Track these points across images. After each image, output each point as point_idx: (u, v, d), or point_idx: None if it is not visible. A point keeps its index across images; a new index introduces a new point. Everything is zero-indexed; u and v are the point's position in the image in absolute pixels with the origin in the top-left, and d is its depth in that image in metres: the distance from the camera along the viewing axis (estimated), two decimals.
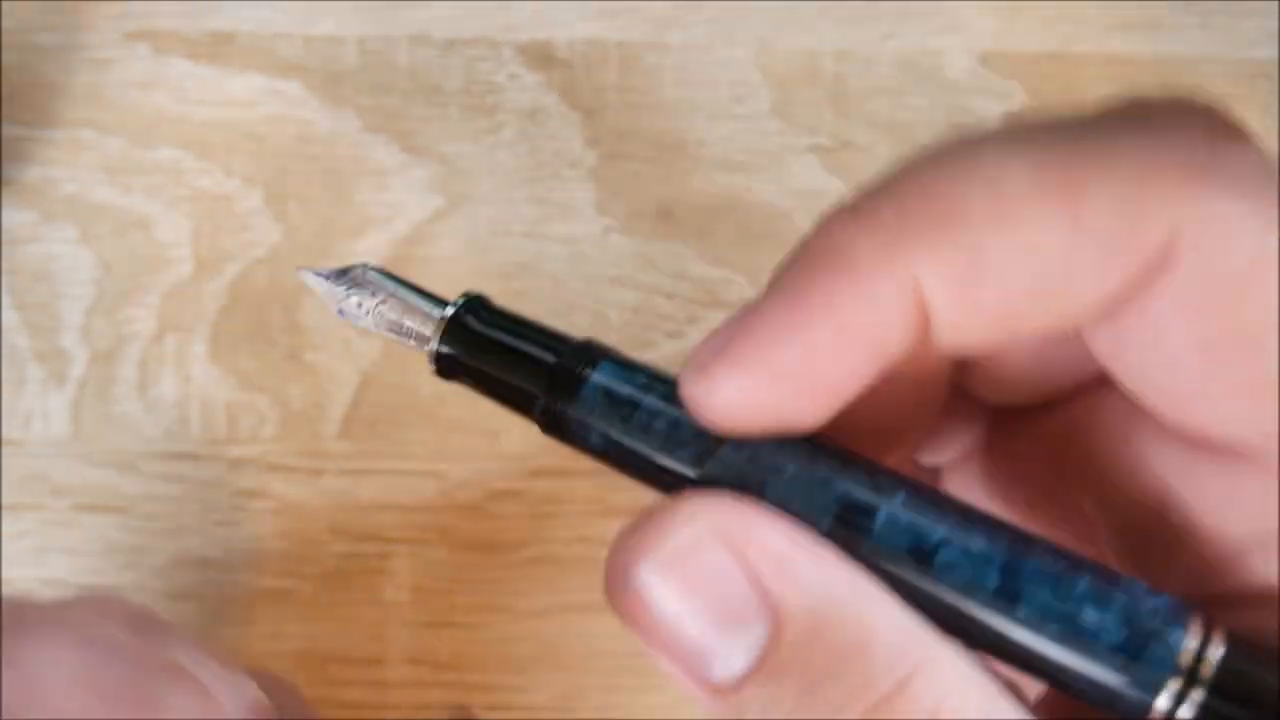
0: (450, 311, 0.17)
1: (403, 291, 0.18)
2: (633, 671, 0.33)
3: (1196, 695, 0.14)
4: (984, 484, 0.19)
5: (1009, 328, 0.14)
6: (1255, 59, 0.35)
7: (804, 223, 0.35)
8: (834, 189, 0.35)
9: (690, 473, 0.15)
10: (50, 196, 0.34)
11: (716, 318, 0.35)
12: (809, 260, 0.15)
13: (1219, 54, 0.35)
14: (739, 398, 0.14)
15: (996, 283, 0.14)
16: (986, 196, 0.13)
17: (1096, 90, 0.35)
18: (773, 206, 0.35)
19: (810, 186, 0.35)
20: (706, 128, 0.35)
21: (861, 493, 0.14)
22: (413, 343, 0.18)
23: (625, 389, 0.16)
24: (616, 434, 0.16)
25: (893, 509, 0.14)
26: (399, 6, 0.35)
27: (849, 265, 0.14)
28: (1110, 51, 0.35)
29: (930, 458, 0.19)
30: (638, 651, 0.34)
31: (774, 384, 0.14)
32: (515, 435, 0.34)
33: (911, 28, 0.35)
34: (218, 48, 0.35)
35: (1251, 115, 0.35)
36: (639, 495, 0.36)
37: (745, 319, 0.14)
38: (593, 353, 0.16)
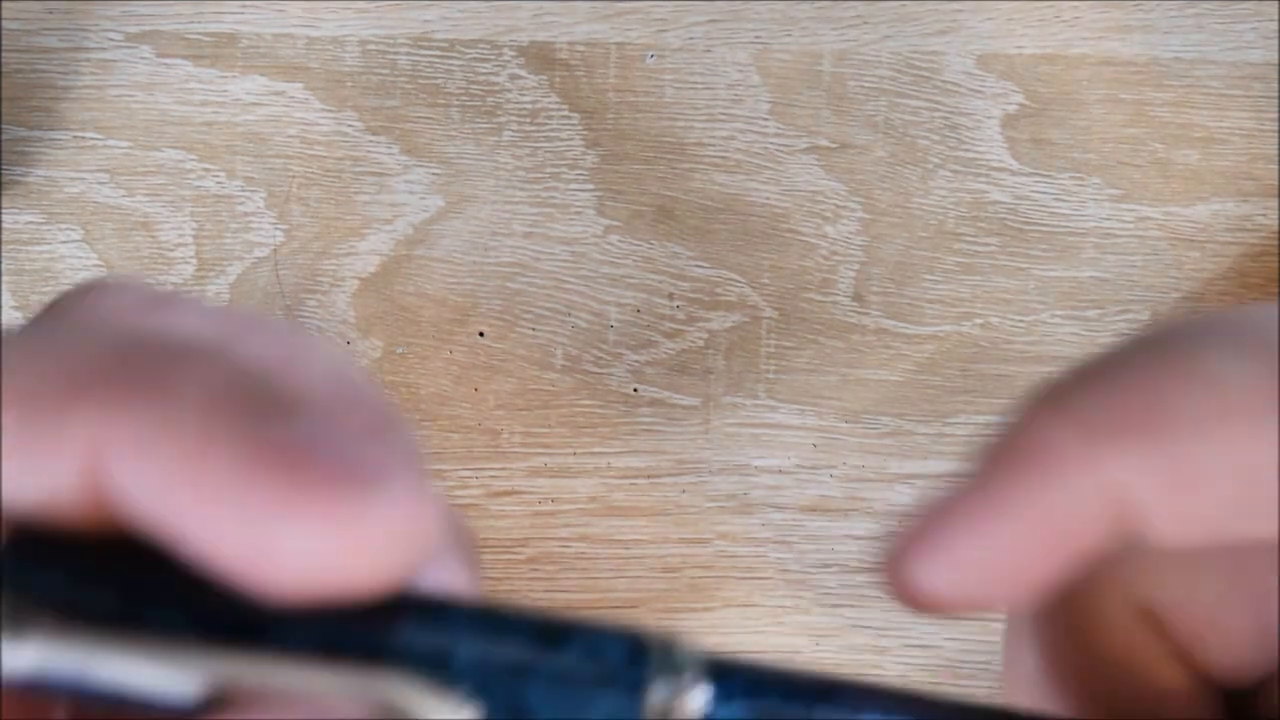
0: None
1: None
2: None
3: None
4: None
5: (1213, 535, 0.13)
6: (1251, 61, 0.35)
7: (803, 223, 0.35)
8: (832, 190, 0.35)
9: None
10: (54, 197, 0.35)
11: (716, 318, 0.35)
12: (1010, 452, 0.14)
13: (1215, 56, 0.35)
14: (932, 584, 0.14)
15: (1204, 491, 0.13)
16: (1205, 401, 0.13)
17: (1093, 92, 0.35)
18: (772, 207, 0.35)
19: (809, 187, 0.35)
20: (706, 129, 0.35)
21: None
22: None
23: None
24: None
25: None
26: (400, 8, 0.35)
27: (1048, 462, 0.13)
28: (1107, 54, 0.35)
29: None
30: None
31: (965, 574, 0.14)
32: (515, 435, 0.34)
33: (909, 29, 0.35)
34: (220, 49, 0.35)
35: (1247, 118, 0.35)
36: (639, 495, 0.36)
37: (944, 507, 0.14)
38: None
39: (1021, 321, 0.35)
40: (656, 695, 0.13)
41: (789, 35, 0.35)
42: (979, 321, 0.35)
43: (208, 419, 0.12)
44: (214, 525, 0.12)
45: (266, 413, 0.12)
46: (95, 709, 0.12)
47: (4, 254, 0.34)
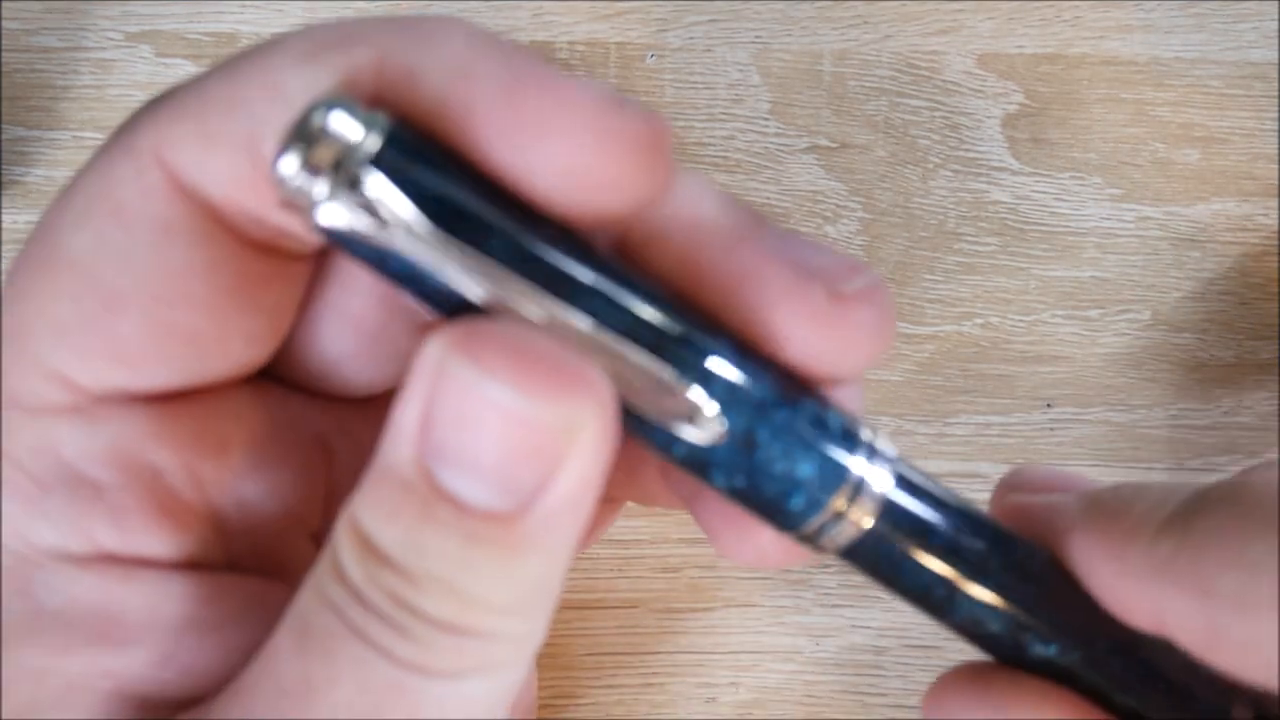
0: None
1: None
2: (633, 669, 0.33)
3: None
4: None
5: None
6: (1252, 61, 0.35)
7: (803, 223, 0.35)
8: (833, 189, 0.35)
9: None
10: (53, 198, 0.35)
11: None
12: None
13: (1216, 56, 0.35)
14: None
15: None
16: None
17: (1093, 92, 0.35)
18: (772, 207, 0.35)
19: (809, 187, 0.35)
20: (706, 129, 0.35)
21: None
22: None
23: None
24: None
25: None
26: (399, 8, 0.35)
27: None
28: (1107, 53, 0.35)
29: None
30: (638, 649, 0.34)
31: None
32: None
33: (910, 29, 0.35)
34: (220, 49, 0.35)
35: (1248, 117, 0.35)
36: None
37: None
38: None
39: (1022, 321, 0.35)
40: (857, 467, 0.15)
41: (789, 35, 0.35)
42: (979, 321, 0.35)
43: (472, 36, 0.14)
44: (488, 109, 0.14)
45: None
46: (386, 278, 0.14)
47: (3, 254, 0.34)
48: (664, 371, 0.14)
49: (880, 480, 0.15)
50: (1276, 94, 0.35)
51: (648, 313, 0.14)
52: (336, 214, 0.14)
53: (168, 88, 0.16)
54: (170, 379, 0.16)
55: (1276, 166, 0.35)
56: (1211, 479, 0.36)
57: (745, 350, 0.15)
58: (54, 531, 0.16)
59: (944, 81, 0.35)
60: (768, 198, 0.35)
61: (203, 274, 0.16)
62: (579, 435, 0.14)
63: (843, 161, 0.35)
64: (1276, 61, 0.35)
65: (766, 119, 0.35)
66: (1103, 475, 0.34)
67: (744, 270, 0.15)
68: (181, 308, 0.16)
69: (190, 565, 0.17)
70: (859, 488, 0.15)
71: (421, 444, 0.14)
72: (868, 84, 0.35)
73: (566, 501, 0.14)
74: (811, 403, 0.15)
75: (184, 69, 0.35)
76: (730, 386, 0.14)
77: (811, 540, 0.15)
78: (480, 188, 0.14)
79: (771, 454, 0.15)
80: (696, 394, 0.14)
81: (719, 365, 0.14)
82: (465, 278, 0.14)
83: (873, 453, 0.15)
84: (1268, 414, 0.34)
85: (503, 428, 0.13)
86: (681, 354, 0.14)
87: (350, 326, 0.18)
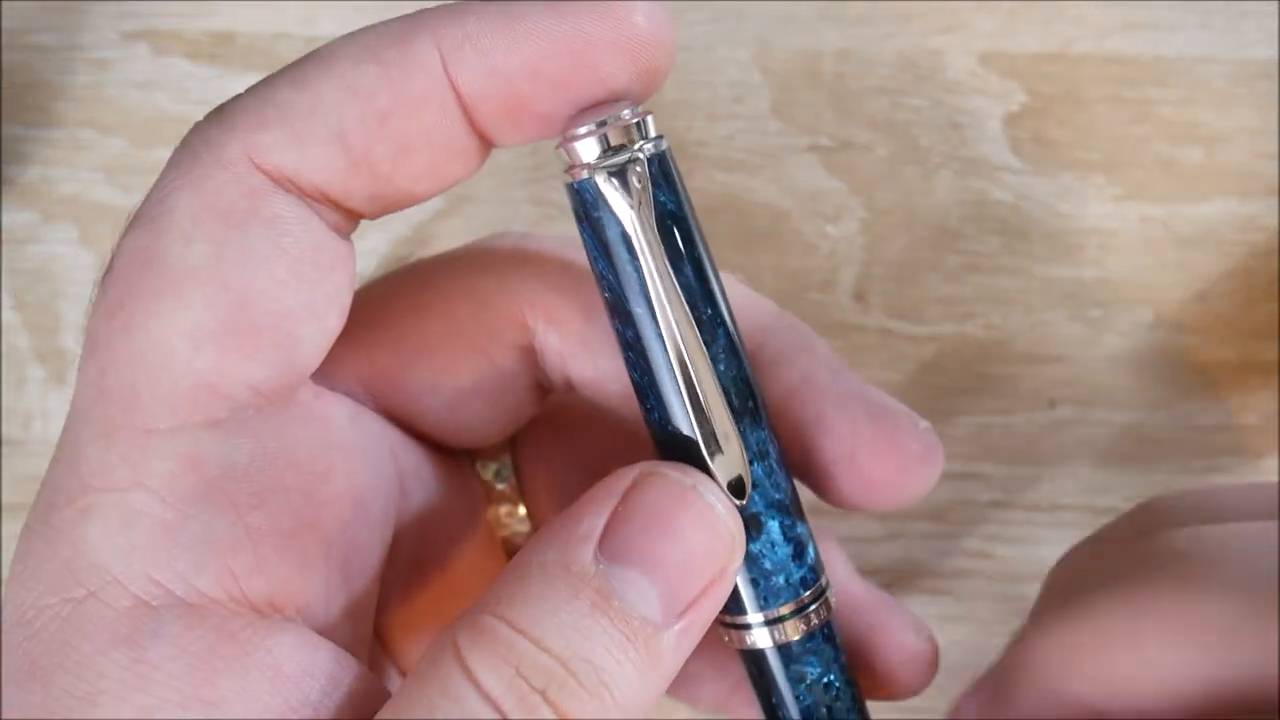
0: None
1: None
2: None
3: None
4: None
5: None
6: (1255, 59, 0.35)
7: (804, 222, 0.35)
8: (834, 189, 0.35)
9: None
10: (50, 196, 0.34)
11: None
12: None
13: (1219, 54, 0.35)
14: None
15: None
16: None
17: (1096, 91, 0.35)
18: (773, 206, 0.35)
19: (810, 187, 0.35)
20: (706, 128, 0.35)
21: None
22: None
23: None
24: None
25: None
26: (398, 7, 0.35)
27: None
28: (1110, 52, 0.35)
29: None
30: None
31: None
32: None
33: (911, 28, 0.35)
34: (218, 48, 0.35)
35: (1250, 115, 0.35)
36: None
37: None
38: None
39: (1024, 321, 0.34)
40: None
41: (790, 34, 0.35)
42: (981, 321, 0.34)
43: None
44: None
45: None
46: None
47: (1, 253, 0.34)
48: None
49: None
50: (1279, 93, 0.35)
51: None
52: (602, 183, 0.17)
53: (225, 101, 0.17)
54: (292, 365, 0.17)
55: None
56: (1216, 480, 0.36)
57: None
58: (187, 561, 0.15)
59: (946, 80, 0.35)
60: (769, 197, 0.35)
61: (311, 255, 0.17)
62: (737, 553, 0.17)
63: (844, 161, 0.35)
64: (1279, 60, 0.35)
65: (767, 118, 0.35)
66: (1105, 476, 0.33)
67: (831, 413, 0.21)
68: (298, 289, 0.17)
69: (303, 615, 0.16)
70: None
71: (602, 546, 0.16)
72: (869, 83, 0.35)
73: (706, 617, 0.16)
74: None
75: (181, 67, 0.35)
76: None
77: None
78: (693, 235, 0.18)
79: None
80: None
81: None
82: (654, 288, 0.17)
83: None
84: (1271, 414, 0.34)
85: (693, 532, 0.16)
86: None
87: (494, 373, 0.20)
